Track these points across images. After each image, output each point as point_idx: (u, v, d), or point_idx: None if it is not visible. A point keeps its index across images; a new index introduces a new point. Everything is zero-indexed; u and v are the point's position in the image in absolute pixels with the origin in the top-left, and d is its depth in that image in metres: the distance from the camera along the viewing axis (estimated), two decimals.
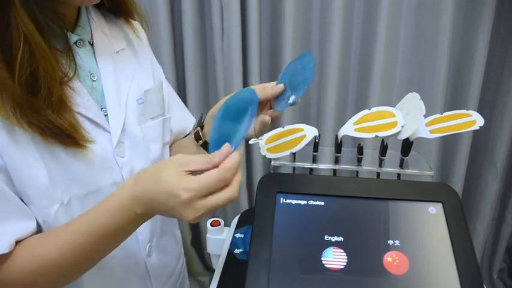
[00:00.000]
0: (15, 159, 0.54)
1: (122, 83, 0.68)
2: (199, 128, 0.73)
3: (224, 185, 0.49)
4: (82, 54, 0.64)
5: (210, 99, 1.56)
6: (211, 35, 1.44)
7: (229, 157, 0.51)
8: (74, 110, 0.58)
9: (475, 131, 1.33)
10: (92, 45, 0.66)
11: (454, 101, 1.46)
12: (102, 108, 0.64)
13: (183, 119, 0.84)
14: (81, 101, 0.60)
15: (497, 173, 1.54)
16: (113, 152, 0.64)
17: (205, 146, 0.73)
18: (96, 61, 0.65)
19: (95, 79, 0.64)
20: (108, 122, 0.64)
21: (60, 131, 0.55)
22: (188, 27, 1.41)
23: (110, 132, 0.64)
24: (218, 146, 0.53)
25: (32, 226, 0.56)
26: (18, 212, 0.55)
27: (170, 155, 0.80)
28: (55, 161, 0.57)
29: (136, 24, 0.75)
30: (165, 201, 0.50)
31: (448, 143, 1.52)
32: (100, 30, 0.67)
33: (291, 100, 0.64)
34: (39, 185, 0.56)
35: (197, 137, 0.73)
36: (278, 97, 0.66)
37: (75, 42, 0.63)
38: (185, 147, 0.78)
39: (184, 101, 1.53)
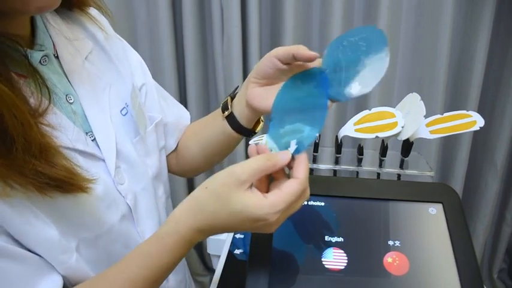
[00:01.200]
0: (17, 225, 0.46)
1: (100, 95, 0.58)
2: (229, 97, 0.66)
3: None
4: (50, 73, 0.53)
5: (210, 100, 1.57)
6: (211, 35, 1.44)
7: (301, 160, 0.48)
8: (62, 146, 0.49)
9: (475, 132, 1.34)
10: (57, 57, 0.55)
11: (454, 102, 1.46)
12: (87, 133, 0.55)
13: (180, 117, 0.77)
14: (66, 133, 0.51)
15: (497, 173, 1.55)
16: (113, 182, 0.57)
17: (230, 120, 0.66)
18: (67, 77, 0.55)
19: (72, 101, 0.55)
20: (98, 147, 0.55)
21: (57, 181, 0.46)
22: (188, 28, 1.41)
23: (104, 160, 0.56)
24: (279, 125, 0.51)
25: (61, 280, 0.50)
26: (45, 271, 0.49)
27: (180, 145, 0.75)
28: (58, 214, 0.49)
29: (94, 12, 0.64)
30: (244, 226, 0.47)
31: (448, 143, 1.53)
32: (62, 36, 0.57)
33: (354, 89, 0.52)
34: (49, 243, 0.49)
35: (224, 107, 0.66)
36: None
37: (40, 61, 0.52)
38: (204, 128, 0.73)
39: (185, 101, 1.53)
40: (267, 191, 0.49)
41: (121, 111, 0.61)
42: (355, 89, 0.51)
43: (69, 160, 0.48)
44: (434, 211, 0.64)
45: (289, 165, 0.49)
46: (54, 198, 0.47)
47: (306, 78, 0.54)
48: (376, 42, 0.51)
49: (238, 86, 0.67)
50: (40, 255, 0.48)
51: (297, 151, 0.49)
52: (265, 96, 0.58)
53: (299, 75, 0.55)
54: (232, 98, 0.67)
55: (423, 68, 1.42)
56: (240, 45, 1.40)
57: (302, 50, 0.53)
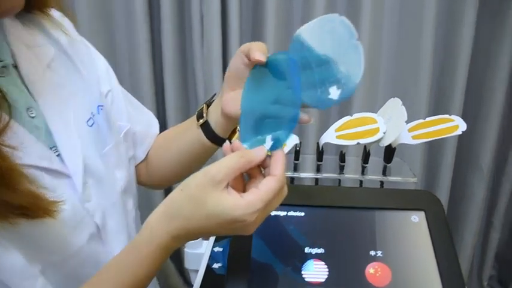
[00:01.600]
0: None
1: (64, 106, 0.56)
2: (205, 105, 0.65)
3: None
4: (10, 86, 0.50)
5: (190, 107, 1.56)
6: (190, 39, 1.44)
7: (278, 157, 0.47)
8: (26, 165, 0.47)
9: (460, 136, 1.35)
10: (16, 67, 0.52)
11: (439, 106, 1.48)
12: (51, 148, 0.53)
13: (149, 125, 0.75)
14: (29, 151, 0.48)
15: (483, 178, 1.56)
16: (80, 199, 0.55)
17: (205, 129, 0.65)
18: (27, 89, 0.53)
19: (33, 114, 0.52)
20: (64, 163, 0.53)
21: (22, 209, 0.45)
22: (167, 32, 1.40)
23: (70, 176, 0.54)
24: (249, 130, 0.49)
25: None
26: None
27: (150, 154, 0.73)
28: (21, 239, 0.48)
29: (56, 14, 0.61)
30: (222, 229, 0.46)
31: (433, 149, 1.54)
32: (21, 43, 0.54)
33: (334, 93, 0.48)
34: (12, 269, 0.47)
35: (199, 115, 0.65)
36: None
37: None
38: (177, 136, 0.71)
39: (163, 108, 1.52)
40: (244, 191, 0.48)
41: (87, 121, 0.59)
42: (334, 93, 0.48)
43: (34, 183, 0.47)
44: (417, 219, 0.64)
45: (265, 164, 0.48)
46: (18, 225, 0.46)
47: (273, 67, 0.51)
48: (343, 32, 0.48)
49: (215, 94, 0.66)
50: (3, 282, 0.47)
51: (274, 147, 0.48)
52: (237, 101, 0.56)
53: (264, 65, 0.51)
54: (208, 106, 0.65)
55: (407, 72, 1.43)
56: (220, 49, 1.39)
57: (255, 49, 0.51)
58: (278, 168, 0.46)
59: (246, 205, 0.44)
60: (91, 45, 0.68)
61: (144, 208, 0.68)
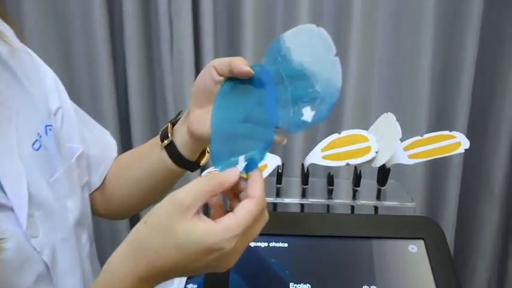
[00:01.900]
0: None
1: (5, 127, 0.55)
2: (170, 124, 0.66)
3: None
4: None
5: (159, 125, 1.56)
6: (158, 49, 1.45)
7: (255, 177, 0.48)
8: None
9: (466, 154, 1.38)
10: None
11: (441, 121, 1.49)
12: None
13: (105, 146, 0.76)
14: None
15: (495, 200, 1.57)
16: (25, 235, 0.54)
17: (170, 150, 0.65)
18: None
19: None
20: (5, 194, 0.53)
21: None
22: (131, 40, 1.41)
23: (13, 209, 0.53)
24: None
25: None
26: None
27: (107, 180, 0.73)
28: None
29: None
30: (197, 262, 0.46)
31: (435, 168, 1.55)
32: None
33: (307, 115, 0.50)
34: None
35: (164, 135, 0.66)
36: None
37: None
38: (138, 159, 0.71)
39: (127, 128, 1.52)
40: None
41: (33, 145, 0.59)
42: (307, 114, 0.49)
43: None
44: (415, 249, 0.66)
45: (240, 188, 0.50)
46: None
47: (246, 82, 0.53)
48: (320, 46, 0.49)
49: (181, 111, 0.67)
50: None
51: (248, 169, 0.49)
52: (205, 120, 0.57)
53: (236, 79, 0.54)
54: (174, 124, 0.66)
55: (403, 84, 1.45)
56: (192, 59, 1.41)
57: (238, 62, 0.53)
58: (256, 189, 0.47)
59: (221, 230, 0.45)
60: (35, 55, 0.67)
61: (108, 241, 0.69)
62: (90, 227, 0.70)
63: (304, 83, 0.50)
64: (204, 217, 0.46)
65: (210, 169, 0.83)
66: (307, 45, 0.50)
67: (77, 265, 0.62)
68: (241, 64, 0.53)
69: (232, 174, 0.48)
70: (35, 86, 0.62)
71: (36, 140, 0.59)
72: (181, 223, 0.45)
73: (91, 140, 0.72)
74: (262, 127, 0.51)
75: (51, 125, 0.62)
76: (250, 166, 0.50)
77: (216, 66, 0.56)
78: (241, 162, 0.50)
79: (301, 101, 0.49)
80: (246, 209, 0.46)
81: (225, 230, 0.45)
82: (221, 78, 0.56)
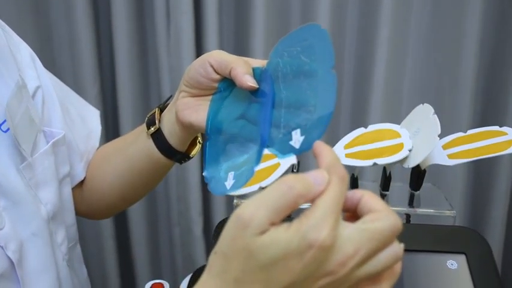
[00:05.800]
0: None
1: None
2: (157, 109, 0.67)
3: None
4: None
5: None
6: (152, 24, 1.45)
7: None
8: None
9: None
10: None
11: (487, 114, 1.49)
12: None
13: (89, 131, 0.77)
14: None
15: None
16: None
17: (157, 139, 0.66)
18: None
19: None
20: None
21: None
22: (119, 13, 1.41)
23: None
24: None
25: None
26: None
27: (87, 174, 0.75)
28: None
29: None
30: (293, 275, 0.38)
31: (480, 170, 1.54)
32: None
33: (296, 140, 0.45)
34: None
35: (150, 122, 0.66)
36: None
37: None
38: (121, 149, 0.73)
39: (115, 115, 1.52)
40: None
41: (0, 126, 0.60)
42: (296, 139, 0.45)
43: None
44: (455, 265, 0.66)
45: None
46: None
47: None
48: (317, 52, 0.47)
49: (171, 95, 0.68)
50: None
51: (236, 186, 0.50)
52: (195, 108, 0.59)
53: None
54: (162, 110, 0.67)
55: (442, 71, 1.45)
56: (192, 38, 1.41)
57: (241, 72, 0.53)
58: (377, 203, 0.42)
59: (314, 226, 0.39)
60: (10, 29, 0.69)
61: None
62: (73, 226, 0.71)
63: (299, 100, 0.47)
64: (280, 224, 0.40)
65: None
66: (303, 51, 0.48)
67: (50, 265, 0.63)
68: (243, 77, 0.53)
69: (320, 179, 0.40)
70: (4, 62, 0.63)
71: (5, 121, 0.60)
72: (255, 240, 0.38)
73: (74, 124, 0.73)
74: (255, 143, 0.52)
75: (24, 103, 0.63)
76: (239, 183, 0.50)
77: (213, 64, 0.57)
78: (230, 180, 0.51)
79: (292, 121, 0.46)
80: (382, 224, 0.41)
81: (326, 248, 0.38)
82: (218, 77, 0.58)
